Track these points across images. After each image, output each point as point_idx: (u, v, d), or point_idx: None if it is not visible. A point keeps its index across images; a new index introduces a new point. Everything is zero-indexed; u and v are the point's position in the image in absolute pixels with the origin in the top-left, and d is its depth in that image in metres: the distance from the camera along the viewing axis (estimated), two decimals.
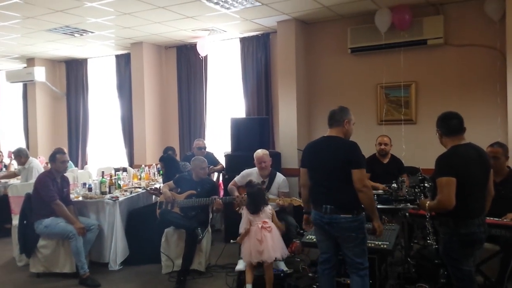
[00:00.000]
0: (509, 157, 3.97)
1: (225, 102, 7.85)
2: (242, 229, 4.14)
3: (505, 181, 3.85)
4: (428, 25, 5.83)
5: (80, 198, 5.15)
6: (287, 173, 6.08)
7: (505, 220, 3.53)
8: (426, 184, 3.49)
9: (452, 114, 3.14)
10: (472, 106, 5.74)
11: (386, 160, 5.32)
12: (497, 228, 3.47)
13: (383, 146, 5.30)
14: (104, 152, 9.15)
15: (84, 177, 6.85)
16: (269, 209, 4.16)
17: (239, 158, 5.99)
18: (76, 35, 7.15)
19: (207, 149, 6.60)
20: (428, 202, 3.12)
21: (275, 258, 3.99)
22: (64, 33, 7.02)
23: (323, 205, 3.19)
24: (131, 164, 8.20)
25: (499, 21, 5.46)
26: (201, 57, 7.69)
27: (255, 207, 4.09)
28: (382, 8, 5.90)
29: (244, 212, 4.19)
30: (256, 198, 4.13)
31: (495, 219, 3.56)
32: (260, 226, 4.00)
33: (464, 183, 2.91)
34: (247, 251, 4.02)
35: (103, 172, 5.52)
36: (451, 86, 5.94)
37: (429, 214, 3.23)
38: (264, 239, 3.95)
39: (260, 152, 4.95)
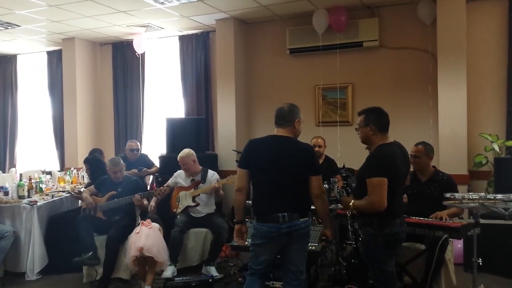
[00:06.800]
0: (433, 157, 3.98)
1: (164, 102, 7.57)
2: None
3: (430, 181, 3.85)
4: (364, 28, 5.87)
5: None
6: (225, 175, 5.91)
7: (431, 219, 3.51)
8: (351, 182, 3.42)
9: (382, 110, 3.07)
10: (406, 107, 5.83)
11: (320, 161, 5.26)
12: (422, 228, 3.43)
13: (317, 148, 5.23)
14: (35, 154, 8.57)
15: (7, 180, 6.33)
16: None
17: (173, 160, 5.71)
18: (0, 28, 6.65)
19: (143, 151, 6.30)
20: (352, 200, 3.01)
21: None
22: None
23: (279, 214, 2.87)
24: (62, 167, 7.73)
25: (431, 24, 5.58)
26: (138, 54, 7.38)
27: None
28: (319, 9, 5.90)
29: None
30: None
31: (420, 218, 3.54)
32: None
33: (392, 183, 2.82)
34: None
35: (21, 175, 5.12)
36: (386, 88, 6.01)
37: (350, 213, 3.14)
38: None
39: (180, 153, 4.80)
